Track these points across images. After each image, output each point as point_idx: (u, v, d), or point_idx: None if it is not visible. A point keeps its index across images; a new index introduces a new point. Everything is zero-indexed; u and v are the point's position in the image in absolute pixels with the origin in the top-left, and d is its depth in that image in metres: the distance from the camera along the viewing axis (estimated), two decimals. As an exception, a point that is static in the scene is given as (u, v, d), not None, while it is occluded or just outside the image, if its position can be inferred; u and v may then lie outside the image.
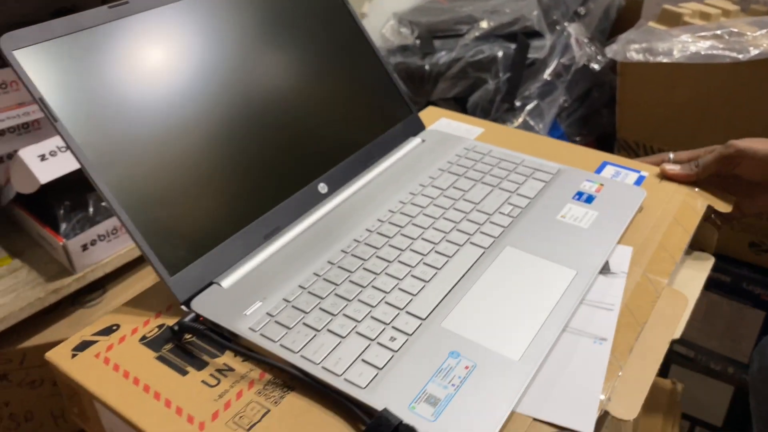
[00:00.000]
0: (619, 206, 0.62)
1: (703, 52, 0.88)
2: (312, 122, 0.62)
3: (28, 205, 0.89)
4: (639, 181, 0.68)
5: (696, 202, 0.64)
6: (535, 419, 0.42)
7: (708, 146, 0.65)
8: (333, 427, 0.42)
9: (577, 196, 0.63)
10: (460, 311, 0.49)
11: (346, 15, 0.69)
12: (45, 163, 0.79)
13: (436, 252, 0.56)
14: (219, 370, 0.47)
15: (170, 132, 0.53)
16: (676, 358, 1.14)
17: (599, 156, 0.73)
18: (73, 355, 0.48)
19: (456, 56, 1.20)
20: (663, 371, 1.16)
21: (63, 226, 0.84)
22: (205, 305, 0.50)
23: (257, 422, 0.42)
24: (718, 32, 0.90)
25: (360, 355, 0.45)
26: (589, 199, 0.63)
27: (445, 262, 0.54)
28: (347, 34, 0.69)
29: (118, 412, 0.44)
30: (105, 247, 0.87)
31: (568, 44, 1.27)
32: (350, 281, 0.52)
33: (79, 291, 0.87)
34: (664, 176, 0.67)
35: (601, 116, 1.45)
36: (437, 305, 0.50)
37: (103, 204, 0.87)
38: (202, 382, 0.46)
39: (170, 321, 0.50)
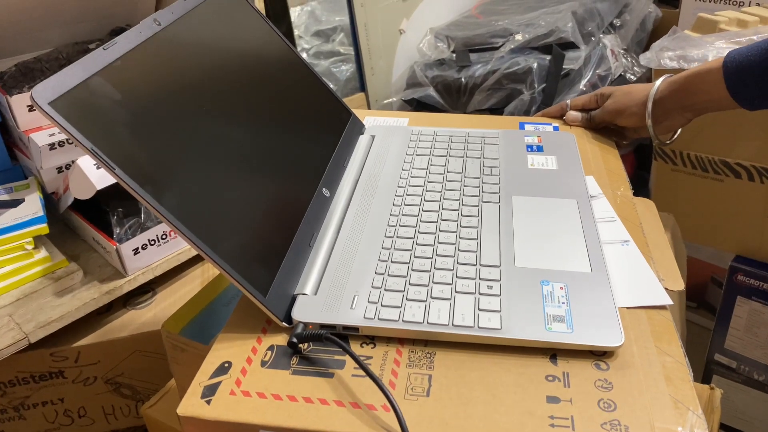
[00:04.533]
0: (565, 148, 0.73)
1: (738, 58, 0.89)
2: (296, 142, 0.65)
3: (84, 212, 0.94)
4: (556, 129, 0.80)
5: (606, 139, 0.79)
6: (628, 308, 0.52)
7: (595, 92, 0.81)
8: (494, 366, 0.47)
9: (529, 149, 0.73)
10: (521, 251, 0.57)
11: (287, 50, 0.72)
12: (101, 170, 0.84)
13: (463, 215, 0.62)
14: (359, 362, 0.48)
15: (215, 157, 0.54)
16: (717, 369, 1.12)
17: (514, 119, 0.84)
18: (208, 401, 0.46)
19: (492, 68, 1.22)
20: (705, 380, 1.14)
21: (116, 231, 0.89)
22: (305, 314, 0.51)
23: (430, 387, 0.46)
24: (754, 38, 0.91)
25: (476, 306, 0.50)
26: (540, 149, 0.74)
27: (479, 221, 0.61)
28: (292, 64, 0.72)
29: (300, 429, 0.44)
30: (155, 251, 0.91)
31: (603, 55, 1.29)
32: (416, 257, 0.56)
33: (130, 293, 0.91)
34: (569, 123, 0.82)
35: (639, 127, 1.45)
36: (500, 253, 0.56)
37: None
38: (353, 375, 0.47)
39: (276, 340, 0.50)
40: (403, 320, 0.50)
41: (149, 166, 0.48)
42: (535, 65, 1.19)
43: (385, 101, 1.45)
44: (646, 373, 0.47)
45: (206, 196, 0.51)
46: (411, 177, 0.68)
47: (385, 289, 0.53)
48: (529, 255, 0.56)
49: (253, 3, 0.68)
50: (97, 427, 0.95)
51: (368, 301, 0.52)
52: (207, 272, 0.99)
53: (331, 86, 0.76)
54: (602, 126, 0.80)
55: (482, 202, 0.64)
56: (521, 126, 0.82)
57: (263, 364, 0.48)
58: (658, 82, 0.73)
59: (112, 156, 0.45)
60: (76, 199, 0.88)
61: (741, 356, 1.09)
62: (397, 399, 0.45)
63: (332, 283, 0.54)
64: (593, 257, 0.56)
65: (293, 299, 0.53)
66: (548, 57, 1.20)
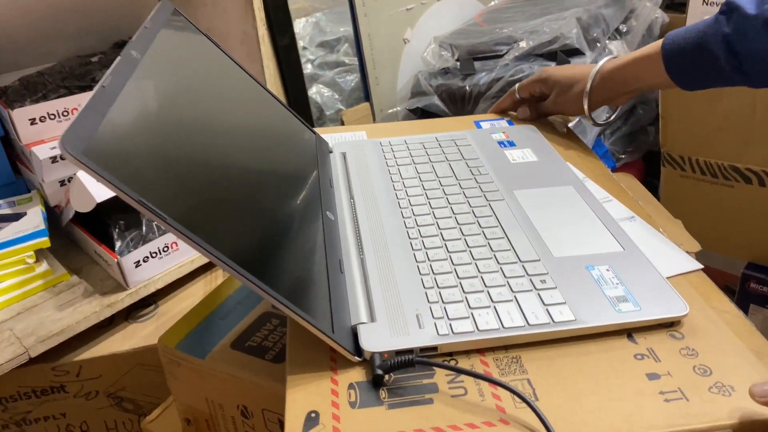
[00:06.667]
0: (534, 140, 0.76)
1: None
2: (291, 169, 0.64)
3: (87, 225, 0.94)
4: (510, 124, 0.82)
5: (556, 122, 0.83)
6: (668, 277, 0.53)
7: (537, 78, 0.80)
8: (582, 357, 0.47)
9: (502, 145, 0.75)
10: (551, 241, 0.57)
11: (249, 81, 0.69)
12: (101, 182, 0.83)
13: (478, 217, 0.61)
14: (450, 381, 0.46)
15: (241, 192, 0.53)
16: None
17: (467, 119, 0.85)
18: None
19: (496, 76, 1.21)
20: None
21: (118, 244, 0.89)
22: (375, 343, 0.48)
23: (534, 390, 0.45)
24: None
25: (541, 302, 0.50)
26: (511, 143, 0.75)
27: (496, 220, 0.61)
28: (256, 94, 0.69)
29: None
30: (156, 263, 0.91)
31: (610, 61, 1.27)
32: (455, 264, 0.55)
33: (133, 306, 0.90)
34: (520, 117, 0.83)
35: (648, 134, 1.43)
36: (533, 246, 0.56)
37: (155, 223, 0.92)
38: (453, 396, 0.45)
39: (352, 377, 0.47)
40: (478, 330, 0.48)
41: (191, 208, 0.45)
42: (539, 72, 1.18)
43: (389, 111, 1.44)
44: (717, 333, 0.49)
45: (253, 235, 0.49)
46: (406, 187, 0.67)
47: (444, 302, 0.51)
48: (560, 244, 0.57)
49: (197, 25, 0.65)
50: (99, 442, 0.94)
51: (434, 318, 0.49)
52: (210, 284, 0.99)
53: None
54: (549, 115, 0.83)
55: (488, 201, 0.64)
56: (477, 124, 0.82)
57: (352, 405, 0.45)
58: (596, 69, 0.73)
59: (160, 206, 0.41)
60: (79, 212, 0.87)
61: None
62: (508, 410, 0.43)
63: (386, 306, 0.51)
64: (618, 236, 0.57)
65: (353, 330, 0.50)
66: (553, 64, 1.19)
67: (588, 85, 0.73)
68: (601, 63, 0.73)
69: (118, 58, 0.51)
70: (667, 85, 0.68)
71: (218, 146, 0.56)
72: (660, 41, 0.67)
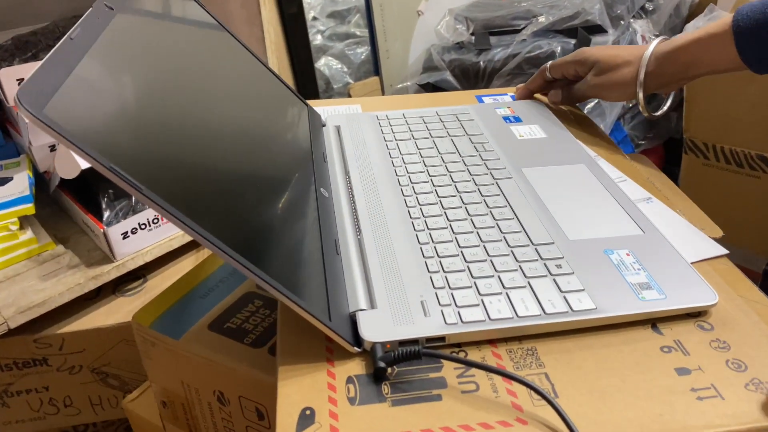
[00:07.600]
0: (542, 116, 0.72)
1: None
2: (281, 141, 0.59)
3: (78, 193, 0.90)
4: (513, 99, 0.79)
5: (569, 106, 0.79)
6: (692, 263, 0.49)
7: (574, 59, 0.71)
8: (603, 349, 0.44)
9: (507, 120, 0.71)
10: (564, 223, 0.53)
11: (238, 47, 0.64)
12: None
13: (485, 196, 0.57)
14: (460, 375, 0.42)
15: (225, 163, 0.48)
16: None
17: (469, 94, 0.81)
18: None
19: (512, 52, 1.15)
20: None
21: (106, 214, 0.85)
22: (376, 333, 0.43)
23: (552, 386, 0.41)
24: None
25: (558, 289, 0.46)
26: (517, 119, 0.71)
27: (505, 199, 0.57)
28: (245, 61, 0.64)
29: None
30: (146, 236, 0.87)
31: (633, 41, 1.21)
32: (462, 247, 0.51)
33: (121, 279, 0.87)
34: (551, 102, 0.77)
35: (669, 120, 1.36)
36: (545, 228, 0.53)
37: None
38: (463, 392, 0.41)
39: (350, 369, 0.43)
40: (490, 319, 0.44)
41: (169, 178, 0.41)
42: (558, 49, 1.11)
43: (399, 86, 1.38)
44: (749, 325, 0.45)
45: (239, 210, 0.45)
46: (406, 164, 0.62)
47: (451, 288, 0.46)
48: (575, 226, 0.53)
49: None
50: (83, 417, 0.91)
51: (440, 305, 0.45)
52: (200, 260, 0.95)
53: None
54: (582, 100, 0.75)
55: (495, 179, 0.59)
56: (479, 99, 0.79)
57: (351, 401, 0.41)
58: (649, 51, 0.65)
59: (134, 174, 0.37)
60: (70, 179, 0.83)
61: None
62: (526, 408, 0.40)
63: (388, 292, 0.47)
64: (637, 218, 0.54)
65: (351, 318, 0.45)
66: (573, 41, 1.13)
67: (643, 71, 0.65)
68: (653, 44, 0.65)
69: (90, 9, 0.46)
70: (733, 68, 0.61)
71: (201, 114, 0.51)
72: (725, 19, 0.59)
